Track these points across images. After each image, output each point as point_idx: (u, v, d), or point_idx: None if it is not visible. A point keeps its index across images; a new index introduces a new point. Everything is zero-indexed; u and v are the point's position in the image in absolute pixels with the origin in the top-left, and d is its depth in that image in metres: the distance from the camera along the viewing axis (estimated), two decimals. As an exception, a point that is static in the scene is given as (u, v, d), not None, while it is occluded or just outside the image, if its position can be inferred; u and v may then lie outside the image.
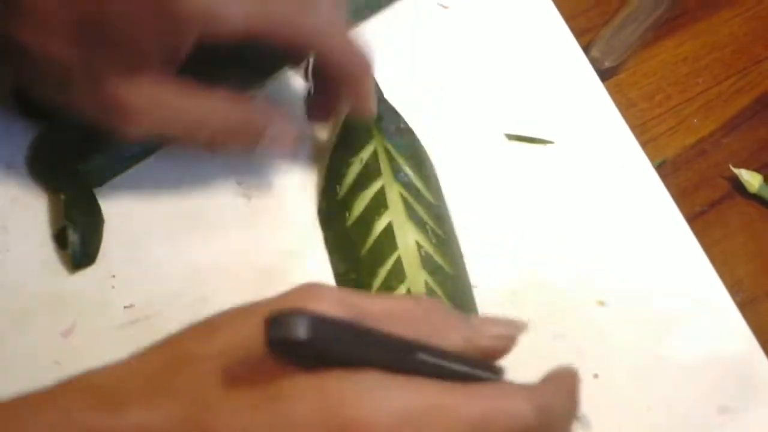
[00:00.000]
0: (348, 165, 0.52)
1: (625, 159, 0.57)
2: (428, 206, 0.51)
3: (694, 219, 0.57)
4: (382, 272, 0.49)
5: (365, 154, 0.52)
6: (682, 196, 0.58)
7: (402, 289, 0.48)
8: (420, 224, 0.50)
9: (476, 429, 0.32)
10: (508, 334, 0.38)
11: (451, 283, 0.50)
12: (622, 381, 0.50)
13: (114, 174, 0.52)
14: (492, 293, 0.51)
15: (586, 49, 0.62)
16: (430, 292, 0.48)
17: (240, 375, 0.32)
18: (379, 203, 0.50)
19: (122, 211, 0.51)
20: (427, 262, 0.49)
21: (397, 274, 0.49)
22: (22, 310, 0.48)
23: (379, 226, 0.50)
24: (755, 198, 0.59)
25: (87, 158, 0.51)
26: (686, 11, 0.67)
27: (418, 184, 0.52)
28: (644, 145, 0.58)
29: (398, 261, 0.49)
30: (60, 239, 0.50)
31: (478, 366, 0.35)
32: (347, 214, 0.51)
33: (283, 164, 0.54)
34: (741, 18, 0.68)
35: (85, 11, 0.42)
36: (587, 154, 0.56)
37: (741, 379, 0.51)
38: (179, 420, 0.31)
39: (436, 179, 0.54)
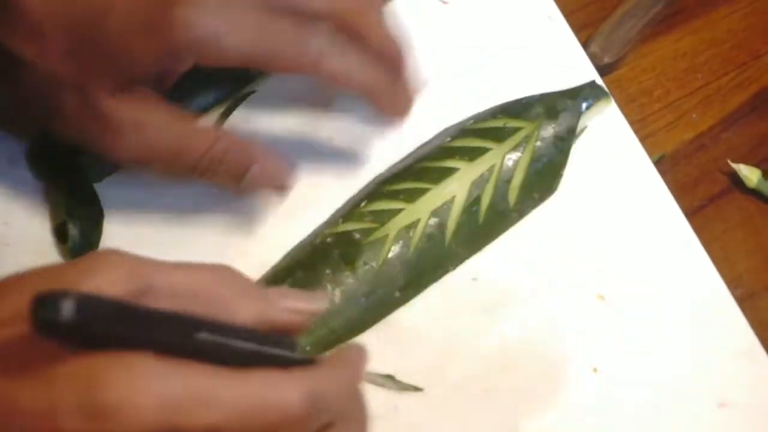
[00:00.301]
0: None
1: (625, 154, 0.57)
2: None
3: (693, 214, 0.57)
4: None
5: None
6: (681, 191, 0.58)
7: None
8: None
9: (241, 419, 0.31)
10: (305, 308, 0.37)
11: None
12: (621, 375, 0.50)
13: (114, 169, 0.52)
14: (491, 287, 0.51)
15: (586, 44, 0.62)
16: None
17: (9, 353, 0.31)
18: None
19: (122, 206, 0.51)
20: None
21: None
22: None
23: None
24: (754, 193, 0.60)
25: (87, 153, 0.50)
26: (685, 7, 0.67)
27: None
28: (643, 140, 0.58)
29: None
30: (60, 233, 0.50)
31: (268, 342, 0.34)
32: None
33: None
34: (739, 14, 0.68)
35: (82, 22, 0.42)
36: (586, 149, 0.56)
37: (741, 374, 0.51)
38: None
39: None
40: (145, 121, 0.44)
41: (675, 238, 0.54)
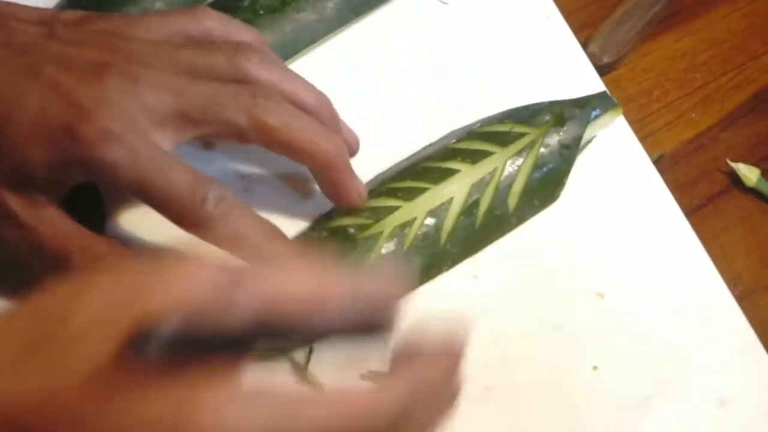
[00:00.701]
0: None
1: (624, 153, 0.57)
2: None
3: (692, 213, 0.58)
4: None
5: None
6: (680, 190, 0.58)
7: None
8: None
9: None
10: (392, 292, 0.36)
11: None
12: (621, 373, 0.50)
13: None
14: (491, 284, 0.52)
15: (585, 44, 0.63)
16: None
17: (97, 368, 0.30)
18: None
19: (124, 204, 0.51)
20: None
21: None
22: None
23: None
24: (753, 192, 0.60)
25: None
26: (684, 7, 0.68)
27: None
28: (643, 139, 0.58)
29: None
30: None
31: (358, 331, 0.34)
32: None
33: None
34: (739, 14, 0.68)
35: None
36: (586, 149, 0.56)
37: (740, 372, 0.51)
38: (36, 405, 0.31)
39: None
40: (30, 223, 0.43)
41: (674, 237, 0.55)
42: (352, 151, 0.51)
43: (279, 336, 0.32)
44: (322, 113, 0.49)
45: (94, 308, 0.31)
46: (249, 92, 0.45)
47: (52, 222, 0.44)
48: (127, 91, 0.43)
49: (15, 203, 0.43)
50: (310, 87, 0.49)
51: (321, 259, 0.35)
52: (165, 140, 0.44)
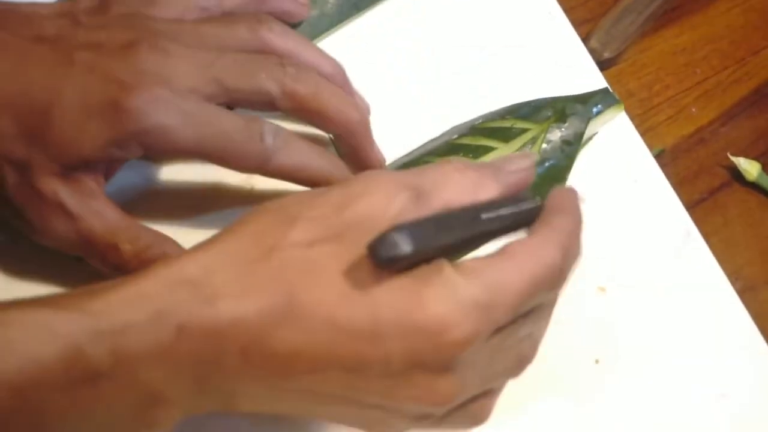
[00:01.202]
0: None
1: (625, 148, 0.57)
2: None
3: (693, 207, 0.58)
4: None
5: None
6: (681, 184, 0.58)
7: None
8: None
9: (534, 288, 0.37)
10: (527, 163, 0.42)
11: None
12: (623, 367, 0.50)
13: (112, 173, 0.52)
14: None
15: (586, 39, 0.63)
16: None
17: (328, 268, 0.34)
18: None
19: (126, 201, 0.51)
20: None
21: None
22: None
23: None
24: (754, 186, 0.60)
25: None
26: (684, 2, 0.68)
27: None
28: (643, 134, 0.58)
29: None
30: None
31: (519, 201, 0.40)
32: None
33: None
34: (738, 9, 0.68)
35: (30, 109, 0.42)
36: (588, 144, 0.56)
37: (741, 366, 0.51)
38: (270, 311, 0.34)
39: None
40: (80, 213, 0.44)
41: (675, 231, 0.55)
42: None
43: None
44: (338, 80, 0.50)
45: (311, 225, 0.36)
46: (277, 62, 0.46)
47: (102, 212, 0.44)
48: (161, 62, 0.44)
49: (65, 193, 0.43)
50: (326, 55, 0.50)
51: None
52: (199, 100, 0.44)
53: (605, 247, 0.53)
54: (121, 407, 0.34)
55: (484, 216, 0.37)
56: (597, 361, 0.50)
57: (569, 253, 0.39)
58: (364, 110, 0.50)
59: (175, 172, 0.52)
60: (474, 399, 0.39)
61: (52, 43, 0.44)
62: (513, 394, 0.49)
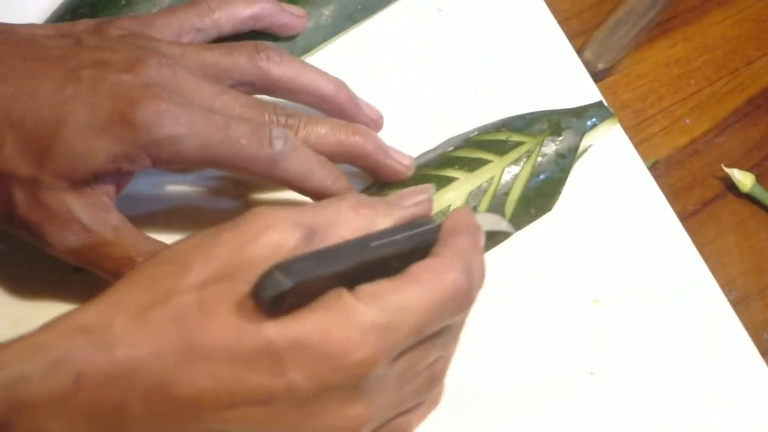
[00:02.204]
0: None
1: (619, 159, 0.57)
2: None
3: (687, 218, 0.58)
4: None
5: None
6: (675, 195, 0.59)
7: None
8: None
9: (434, 312, 0.37)
10: (422, 198, 0.44)
11: None
12: (618, 378, 0.50)
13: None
14: (487, 291, 0.52)
15: (580, 51, 0.63)
16: None
17: (222, 307, 0.34)
18: None
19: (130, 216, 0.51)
20: None
21: None
22: (26, 311, 0.48)
23: None
24: (747, 197, 0.60)
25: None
26: (677, 14, 0.68)
27: None
28: (638, 145, 0.58)
29: None
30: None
31: (414, 227, 0.40)
32: None
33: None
34: (732, 20, 0.68)
35: (38, 124, 0.42)
36: (582, 156, 0.56)
37: (734, 376, 0.51)
38: (168, 354, 0.34)
39: None
40: (94, 227, 0.44)
41: (669, 242, 0.55)
42: (378, 126, 0.53)
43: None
44: (341, 98, 0.51)
45: (204, 268, 0.36)
46: (277, 109, 0.47)
47: (117, 227, 0.45)
48: (167, 77, 0.44)
49: (78, 207, 0.43)
50: (327, 76, 0.51)
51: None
52: (207, 101, 0.45)
53: (600, 259, 0.54)
54: None
55: (375, 243, 0.37)
56: (592, 373, 0.50)
57: (471, 272, 0.39)
58: (364, 130, 0.50)
59: (170, 183, 0.53)
60: (390, 421, 0.39)
61: (57, 62, 0.44)
62: (508, 406, 0.49)
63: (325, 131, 0.48)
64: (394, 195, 0.43)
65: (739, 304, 0.55)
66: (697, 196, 0.60)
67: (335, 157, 0.48)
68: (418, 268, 0.37)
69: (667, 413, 0.50)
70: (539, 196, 0.53)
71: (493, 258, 0.53)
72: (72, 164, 0.42)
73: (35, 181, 0.42)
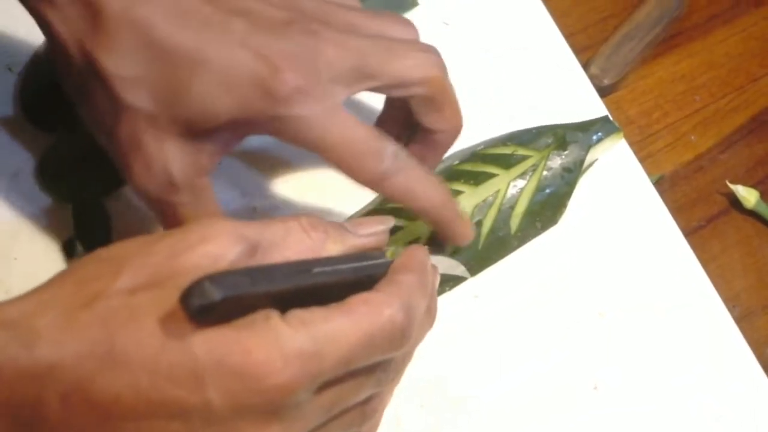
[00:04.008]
0: None
1: (624, 175, 0.57)
2: None
3: (691, 234, 0.58)
4: None
5: None
6: (679, 211, 0.59)
7: None
8: None
9: (364, 345, 0.36)
10: (380, 228, 0.43)
11: None
12: (621, 391, 0.50)
13: (122, 184, 0.52)
14: (492, 304, 0.52)
15: (586, 66, 0.63)
16: None
17: (149, 315, 0.34)
18: None
19: (130, 222, 0.51)
20: None
21: None
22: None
23: None
24: (751, 214, 0.60)
25: (96, 168, 0.51)
26: (683, 30, 0.69)
27: None
28: (643, 160, 0.59)
29: None
30: (68, 248, 0.50)
31: (363, 258, 0.40)
32: None
33: (288, 175, 0.54)
34: (737, 37, 0.69)
35: (173, 66, 0.41)
36: (587, 171, 0.57)
37: (736, 391, 0.52)
38: (89, 357, 0.33)
39: None
40: (176, 182, 0.44)
41: (674, 258, 0.55)
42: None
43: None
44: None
45: (136, 271, 0.35)
46: (420, 48, 0.46)
47: (198, 193, 0.44)
48: (311, 47, 0.43)
49: (175, 159, 0.43)
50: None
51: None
52: (338, 95, 0.44)
53: (604, 273, 0.54)
54: None
55: (317, 269, 0.37)
56: (596, 387, 0.50)
57: (411, 311, 0.38)
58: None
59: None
60: None
61: (213, 2, 0.43)
62: (511, 419, 0.49)
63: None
64: (351, 221, 0.42)
65: (742, 319, 0.55)
66: (702, 211, 0.61)
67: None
68: (355, 300, 0.36)
69: (669, 427, 0.50)
70: (545, 210, 0.53)
71: (499, 272, 0.53)
72: (193, 114, 0.42)
73: (149, 118, 0.42)
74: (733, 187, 0.60)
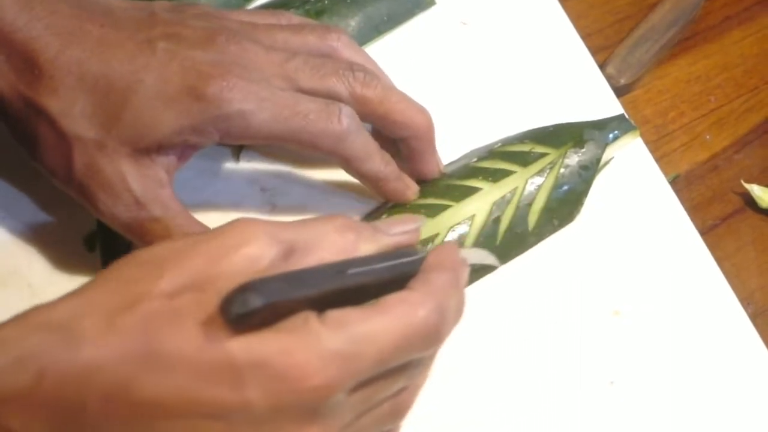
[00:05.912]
0: None
1: (641, 173, 0.58)
2: None
3: (706, 232, 0.59)
4: None
5: None
6: (695, 210, 0.59)
7: None
8: None
9: (401, 345, 0.36)
10: (411, 226, 0.43)
11: None
12: (637, 389, 0.51)
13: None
14: (509, 301, 0.52)
15: (602, 66, 0.64)
16: None
17: (190, 317, 0.34)
18: None
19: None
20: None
21: None
22: (37, 287, 0.49)
23: None
24: (766, 213, 0.61)
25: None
26: (698, 32, 0.69)
27: None
28: (659, 160, 0.59)
29: None
30: (89, 243, 0.51)
31: (396, 257, 0.40)
32: None
33: (307, 171, 0.55)
34: (752, 39, 0.69)
35: (109, 90, 0.43)
36: (604, 169, 0.57)
37: (751, 389, 0.52)
38: (132, 358, 0.34)
39: None
40: (146, 202, 0.45)
41: (689, 256, 0.55)
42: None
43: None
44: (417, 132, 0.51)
45: (178, 274, 0.36)
46: (346, 66, 0.48)
47: (167, 204, 0.46)
48: (238, 54, 0.45)
49: (134, 178, 0.45)
50: (383, 72, 0.52)
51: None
52: (271, 87, 0.46)
53: (620, 271, 0.54)
54: None
55: (352, 271, 0.37)
56: (612, 383, 0.51)
57: (445, 310, 0.38)
58: (428, 115, 0.51)
59: (199, 189, 0.53)
60: None
61: (132, 32, 0.45)
62: (527, 415, 0.49)
63: (397, 98, 0.49)
64: (383, 221, 0.43)
65: (757, 317, 0.55)
66: (717, 210, 0.61)
67: (396, 127, 0.50)
68: (390, 300, 0.37)
69: (684, 422, 0.50)
70: (562, 207, 0.54)
71: (515, 269, 0.54)
72: (138, 132, 0.43)
73: (99, 144, 0.43)
74: (748, 186, 0.61)
